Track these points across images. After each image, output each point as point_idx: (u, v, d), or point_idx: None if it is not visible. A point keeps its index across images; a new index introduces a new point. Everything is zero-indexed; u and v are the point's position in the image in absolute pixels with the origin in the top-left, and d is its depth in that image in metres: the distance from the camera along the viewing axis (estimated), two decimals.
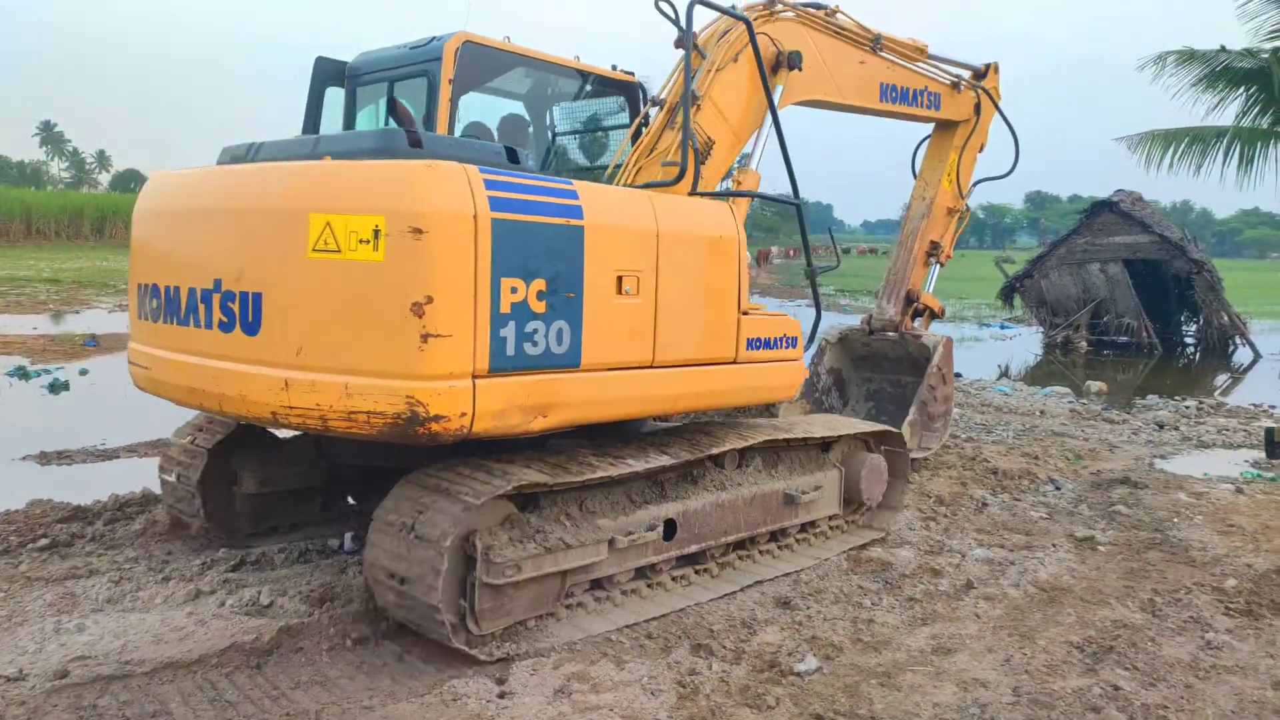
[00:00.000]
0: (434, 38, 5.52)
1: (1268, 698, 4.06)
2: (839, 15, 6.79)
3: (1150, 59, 14.27)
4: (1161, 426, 10.99)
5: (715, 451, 5.10)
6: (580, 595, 4.64)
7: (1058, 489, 7.71)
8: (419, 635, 4.38)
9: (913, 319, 8.72)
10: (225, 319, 4.20)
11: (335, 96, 6.05)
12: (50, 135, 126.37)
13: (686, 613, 4.77)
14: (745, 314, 5.18)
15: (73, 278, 27.84)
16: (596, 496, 4.62)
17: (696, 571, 5.16)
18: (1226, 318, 21.72)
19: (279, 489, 5.71)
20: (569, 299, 4.22)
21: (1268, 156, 14.22)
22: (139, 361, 4.86)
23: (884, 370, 8.98)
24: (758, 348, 5.27)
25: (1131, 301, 22.12)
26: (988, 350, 21.07)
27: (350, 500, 6.26)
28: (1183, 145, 14.73)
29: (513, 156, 4.44)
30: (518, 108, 6.37)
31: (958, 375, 11.56)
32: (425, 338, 3.74)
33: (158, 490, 6.45)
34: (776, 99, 5.99)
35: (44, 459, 8.13)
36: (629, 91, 6.50)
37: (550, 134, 6.55)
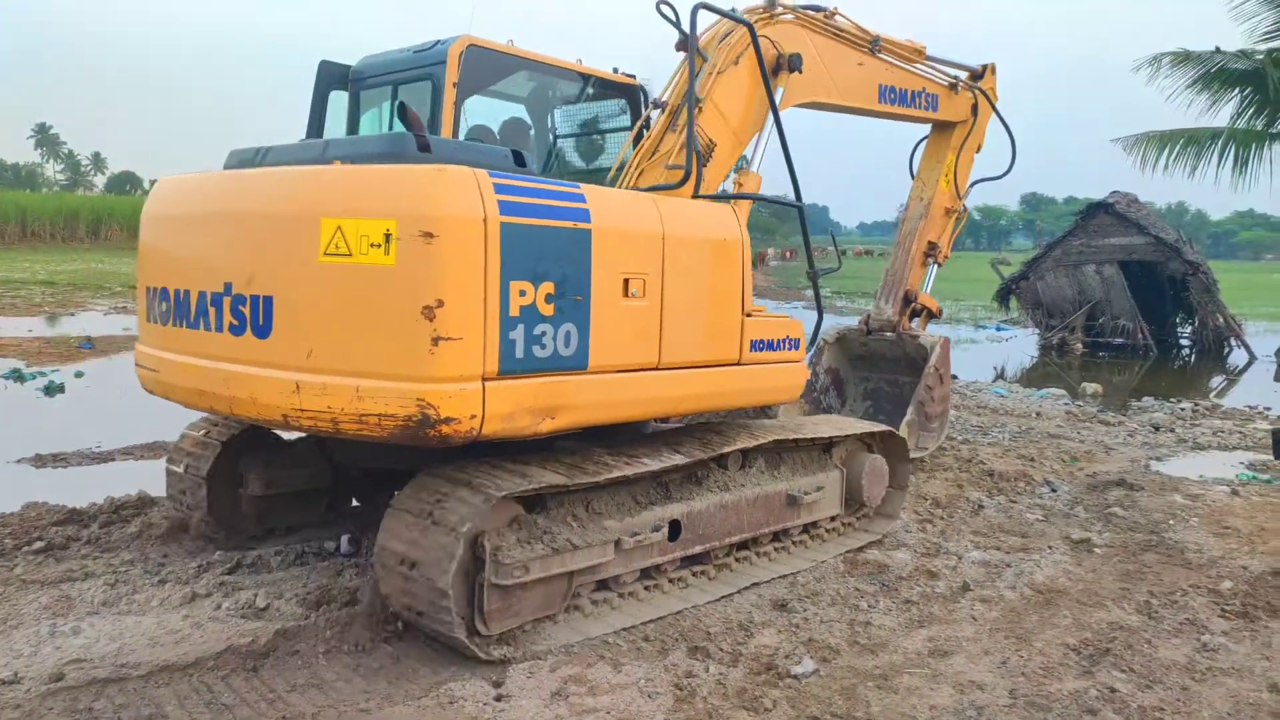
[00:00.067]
0: (438, 41, 5.54)
1: (1263, 700, 4.07)
2: (838, 17, 6.81)
3: (1145, 60, 14.28)
4: (1157, 428, 11.02)
5: (727, 450, 5.16)
6: (582, 596, 4.65)
7: (1053, 491, 7.72)
8: (416, 638, 4.38)
9: (910, 319, 8.74)
10: (236, 322, 4.23)
11: (339, 100, 6.06)
12: (45, 137, 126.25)
13: (683, 615, 4.77)
14: (749, 316, 5.22)
15: (68, 280, 27.81)
16: (603, 498, 4.65)
17: (694, 574, 5.17)
18: (1222, 319, 21.80)
19: (284, 491, 5.72)
20: (576, 302, 4.25)
21: (1263, 158, 14.23)
22: (147, 364, 4.87)
23: (881, 370, 9.00)
24: (761, 349, 5.31)
25: (1127, 303, 22.19)
26: (983, 352, 21.12)
27: (355, 502, 6.26)
28: (1178, 147, 14.74)
29: (519, 160, 4.47)
30: (519, 110, 6.39)
31: (954, 377, 11.57)
32: (436, 341, 3.77)
33: (154, 493, 6.46)
34: (777, 101, 6.00)
35: (39, 462, 8.12)
36: (630, 94, 6.53)
37: (551, 136, 6.56)
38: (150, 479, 7.08)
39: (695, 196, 5.20)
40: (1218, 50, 13.79)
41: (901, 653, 4.47)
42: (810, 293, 6.42)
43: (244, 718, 3.70)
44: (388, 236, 3.80)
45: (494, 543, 4.08)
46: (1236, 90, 14.05)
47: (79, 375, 12.62)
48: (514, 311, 3.98)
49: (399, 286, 3.81)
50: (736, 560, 5.44)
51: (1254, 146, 14.26)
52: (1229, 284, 24.73)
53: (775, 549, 5.68)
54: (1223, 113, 14.27)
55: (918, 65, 7.79)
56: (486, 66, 5.68)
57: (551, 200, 4.19)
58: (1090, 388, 14.83)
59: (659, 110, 5.79)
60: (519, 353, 4.02)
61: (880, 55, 7.29)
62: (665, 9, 5.28)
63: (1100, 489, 7.72)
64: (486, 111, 6.02)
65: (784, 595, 5.12)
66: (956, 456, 8.58)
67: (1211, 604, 5.16)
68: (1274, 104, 13.61)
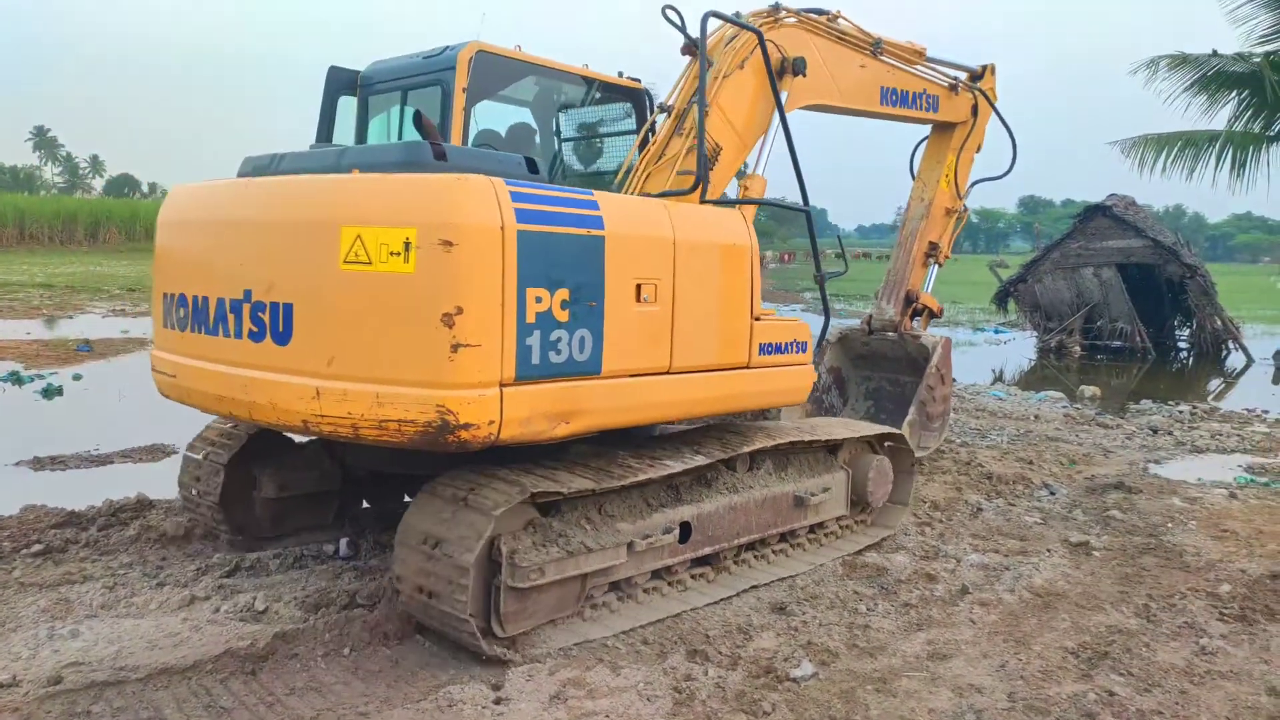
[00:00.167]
0: (447, 47, 5.57)
1: (1262, 703, 4.08)
2: (840, 20, 6.85)
3: (1143, 63, 14.29)
4: (1155, 431, 11.03)
5: (747, 450, 5.27)
6: (595, 598, 4.69)
7: (1052, 494, 7.73)
8: (414, 642, 4.38)
9: (911, 319, 8.77)
10: (255, 329, 4.27)
11: (347, 105, 6.09)
12: (43, 140, 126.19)
13: (682, 618, 4.78)
14: (758, 319, 5.28)
15: (66, 283, 27.82)
16: (615, 501, 4.69)
17: (693, 577, 5.19)
18: (1219, 322, 21.81)
19: (296, 493, 5.74)
20: (591, 307, 4.30)
21: (1260, 161, 14.25)
22: (164, 369, 4.90)
23: (883, 369, 9.04)
24: (770, 353, 5.37)
25: (1125, 306, 22.20)
26: (982, 355, 21.13)
27: (365, 504, 6.28)
28: (1175, 149, 14.76)
29: (532, 167, 4.51)
30: (524, 114, 6.42)
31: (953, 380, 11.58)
32: (455, 348, 3.82)
33: (152, 495, 6.45)
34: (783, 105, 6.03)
35: (37, 464, 8.11)
36: (635, 98, 6.56)
37: (556, 141, 6.59)
38: (149, 482, 7.09)
39: (702, 201, 5.25)
40: (1215, 53, 13.80)
41: (900, 656, 4.47)
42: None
43: None
44: (407, 245, 3.85)
45: (510, 546, 4.13)
46: (1234, 93, 14.07)
47: (77, 378, 12.61)
48: (530, 318, 4.04)
49: (419, 294, 3.86)
50: (737, 563, 5.46)
51: (1251, 149, 14.28)
52: (1226, 287, 24.76)
53: (776, 550, 5.70)
54: (1220, 115, 14.31)
55: (918, 67, 7.82)
56: (495, 72, 5.72)
57: (566, 208, 4.25)
58: (1088, 391, 14.84)
59: (664, 114, 5.81)
60: (535, 358, 4.08)
61: (882, 57, 7.33)
62: (671, 13, 5.33)
63: (1099, 492, 7.73)
64: (491, 115, 6.05)
65: (783, 598, 5.13)
66: (955, 459, 8.59)
67: (1210, 607, 5.16)
68: (1271, 107, 13.63)
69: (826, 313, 6.35)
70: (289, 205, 4.33)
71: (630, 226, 4.55)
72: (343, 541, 5.74)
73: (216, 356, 4.48)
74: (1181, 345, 23.79)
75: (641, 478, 4.62)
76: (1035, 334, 23.72)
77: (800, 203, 6.16)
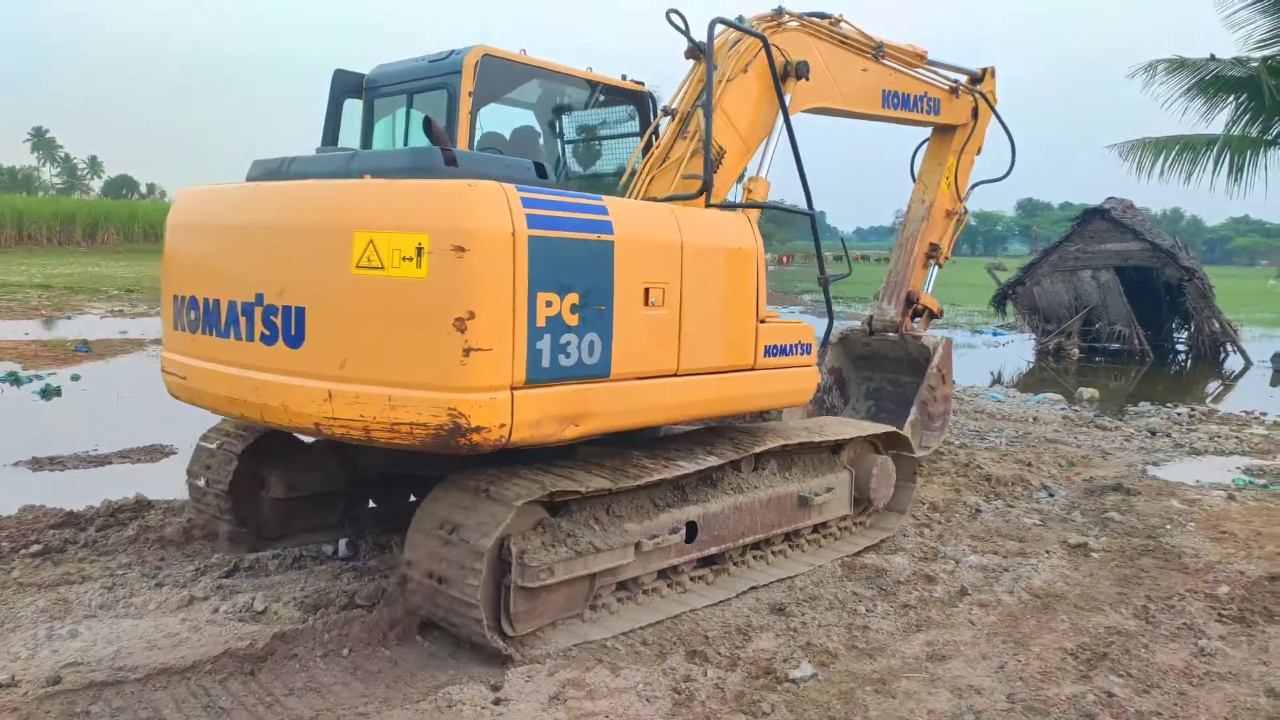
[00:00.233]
0: (453, 51, 5.60)
1: (1261, 705, 4.09)
2: (843, 24, 6.89)
3: (1141, 67, 14.32)
4: (1153, 433, 11.04)
5: (760, 450, 5.33)
6: (602, 598, 4.72)
7: (1051, 496, 7.74)
8: (413, 643, 4.38)
9: (912, 319, 8.80)
10: (267, 332, 4.29)
11: (352, 108, 6.10)
12: (42, 141, 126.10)
13: (682, 619, 4.78)
14: (763, 322, 5.32)
15: (64, 283, 27.82)
16: (623, 501, 4.73)
17: (693, 579, 5.20)
18: (1217, 325, 21.83)
19: (304, 493, 5.75)
20: (600, 311, 4.34)
21: (1257, 164, 14.27)
22: (175, 371, 4.93)
23: (884, 370, 9.08)
24: (775, 355, 5.41)
25: (1123, 308, 22.23)
26: (980, 357, 21.14)
27: (371, 504, 6.28)
28: (1173, 153, 14.78)
29: (540, 172, 4.55)
30: (527, 117, 6.44)
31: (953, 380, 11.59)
32: (467, 351, 3.85)
33: (151, 495, 6.45)
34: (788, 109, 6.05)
35: (36, 465, 8.11)
36: (639, 101, 6.60)
37: (560, 143, 6.61)
38: (148, 482, 7.09)
39: (708, 205, 5.29)
40: (1212, 58, 13.83)
41: (899, 657, 4.48)
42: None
43: None
44: (420, 250, 3.88)
45: (520, 546, 4.17)
46: (1232, 97, 14.10)
47: (75, 378, 12.61)
48: (540, 322, 4.07)
49: (431, 299, 3.89)
50: (737, 563, 5.47)
51: (1249, 153, 14.31)
52: (1224, 289, 24.81)
53: (776, 550, 5.72)
54: (1218, 119, 14.34)
55: (919, 70, 7.87)
56: (501, 76, 5.75)
57: (575, 213, 4.28)
58: (1087, 393, 14.85)
59: (668, 118, 5.83)
60: (545, 362, 4.11)
61: (884, 61, 7.36)
62: (675, 17, 5.35)
63: (1097, 494, 7.74)
64: (495, 118, 6.07)
65: (782, 599, 5.13)
66: (954, 461, 8.60)
67: (1208, 609, 5.17)
68: (1269, 111, 13.66)
69: (830, 315, 6.39)
70: (301, 210, 4.37)
71: (639, 231, 4.59)
72: (342, 542, 5.74)
73: (228, 359, 4.51)
74: (1180, 348, 23.81)
75: (656, 478, 4.67)
76: (1033, 336, 23.74)
77: (804, 205, 6.18)
